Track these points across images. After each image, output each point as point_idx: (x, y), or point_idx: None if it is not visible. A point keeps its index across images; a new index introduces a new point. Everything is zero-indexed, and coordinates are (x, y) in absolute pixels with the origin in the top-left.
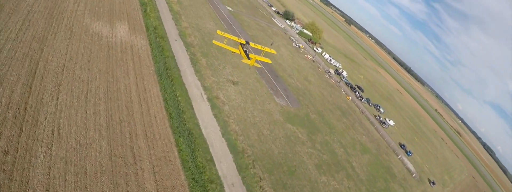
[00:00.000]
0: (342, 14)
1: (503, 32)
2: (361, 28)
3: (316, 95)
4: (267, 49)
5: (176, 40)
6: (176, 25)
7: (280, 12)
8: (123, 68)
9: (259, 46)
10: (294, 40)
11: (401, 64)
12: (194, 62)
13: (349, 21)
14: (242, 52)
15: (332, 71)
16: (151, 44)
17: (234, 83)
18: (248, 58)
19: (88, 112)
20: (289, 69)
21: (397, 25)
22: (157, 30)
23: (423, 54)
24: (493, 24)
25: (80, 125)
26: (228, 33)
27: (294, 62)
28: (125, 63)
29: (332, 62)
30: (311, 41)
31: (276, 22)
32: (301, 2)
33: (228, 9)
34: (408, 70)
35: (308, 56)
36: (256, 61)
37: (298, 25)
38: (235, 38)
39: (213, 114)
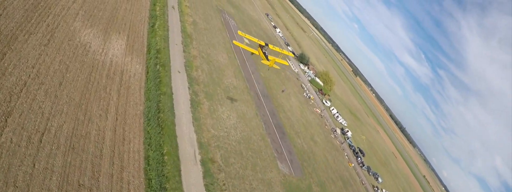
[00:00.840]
0: (350, 62)
1: (500, 111)
2: (365, 80)
3: (320, 161)
4: (285, 52)
5: (179, 71)
6: (184, 51)
7: (296, 54)
8: (103, 103)
9: (277, 49)
10: (305, 88)
11: (397, 122)
12: (194, 105)
13: (356, 71)
14: (261, 53)
15: (338, 130)
16: (148, 73)
17: (236, 140)
18: (267, 59)
19: (36, 166)
20: (297, 125)
21: (400, 84)
22: (160, 54)
23: (419, 117)
24: (492, 101)
25: (20, 186)
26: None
27: (302, 116)
28: (107, 94)
29: (338, 119)
30: (321, 91)
31: (290, 64)
32: (315, 44)
33: (245, 41)
34: (402, 130)
35: (317, 110)
36: (275, 62)
37: (311, 72)
38: (255, 40)
39: (204, 184)
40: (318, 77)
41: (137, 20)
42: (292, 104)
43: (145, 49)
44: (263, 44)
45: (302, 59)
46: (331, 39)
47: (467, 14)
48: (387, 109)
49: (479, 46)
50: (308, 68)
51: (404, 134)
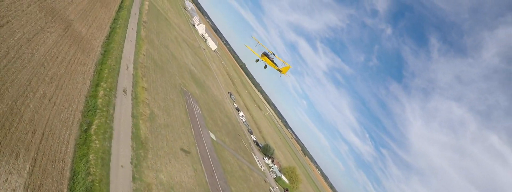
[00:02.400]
0: (297, 138)
1: (441, 188)
2: (310, 157)
3: None
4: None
5: None
6: (134, 178)
7: (260, 144)
8: None
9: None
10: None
11: None
12: None
13: (305, 151)
14: (270, 62)
15: None
16: None
17: None
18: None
19: None
20: None
21: (343, 161)
22: None
23: None
24: (433, 179)
25: None
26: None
27: None
28: None
29: None
30: (287, 191)
31: (256, 160)
32: (271, 125)
33: (212, 138)
34: None
35: None
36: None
37: (276, 166)
38: (256, 54)
39: None
40: (284, 173)
41: (60, 119)
42: None
43: (66, 180)
44: (269, 52)
45: (266, 151)
46: (280, 114)
47: (411, 98)
48: (332, 187)
49: (421, 127)
50: (272, 162)
51: None
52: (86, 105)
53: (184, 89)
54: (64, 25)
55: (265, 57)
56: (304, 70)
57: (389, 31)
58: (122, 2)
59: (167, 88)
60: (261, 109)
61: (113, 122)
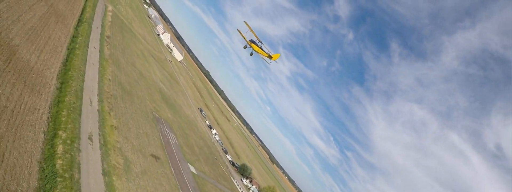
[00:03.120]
0: (262, 144)
1: (404, 186)
2: (277, 164)
3: None
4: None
5: None
6: None
7: (236, 164)
8: None
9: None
10: None
11: None
12: None
13: (272, 159)
14: (259, 49)
15: None
16: None
17: None
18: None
19: None
20: None
21: (309, 165)
22: None
23: None
24: (397, 178)
25: None
26: None
27: None
28: None
29: None
30: None
31: (236, 184)
32: (241, 137)
33: (192, 171)
34: None
35: None
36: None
37: (255, 187)
38: (246, 40)
39: None
40: None
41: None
42: None
43: None
44: (248, 42)
45: (244, 171)
46: (245, 121)
47: (373, 100)
48: (300, 191)
49: (384, 129)
50: (251, 182)
51: None
52: (40, 176)
53: (156, 115)
54: (5, 54)
55: (253, 44)
56: (267, 76)
57: (351, 36)
58: (82, 14)
59: (139, 120)
60: (229, 120)
61: (80, 185)
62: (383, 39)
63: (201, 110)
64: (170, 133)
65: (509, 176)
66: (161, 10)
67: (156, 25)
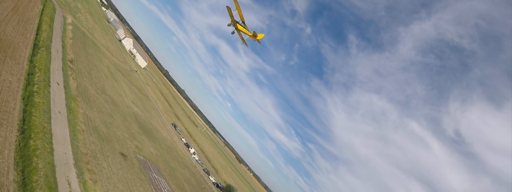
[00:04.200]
0: (226, 142)
1: (367, 175)
2: (241, 160)
3: None
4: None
5: None
6: None
7: (220, 185)
8: None
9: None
10: None
11: None
12: None
13: (239, 158)
14: (242, 28)
15: None
16: None
17: None
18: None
19: None
20: None
21: (272, 159)
22: None
23: (293, 188)
24: (360, 167)
25: None
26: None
27: None
28: None
29: None
30: None
31: None
32: (209, 142)
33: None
34: None
35: None
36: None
37: None
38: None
39: None
40: None
41: None
42: None
43: None
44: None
45: None
46: (208, 120)
47: (333, 92)
48: (266, 187)
49: (344, 120)
50: None
51: None
52: None
53: (141, 157)
54: None
55: (238, 24)
56: (226, 72)
57: (308, 30)
58: (37, 36)
59: (127, 178)
60: (197, 126)
61: None
62: (341, 32)
63: (175, 126)
64: (159, 178)
65: (468, 160)
66: (118, 10)
67: (117, 30)
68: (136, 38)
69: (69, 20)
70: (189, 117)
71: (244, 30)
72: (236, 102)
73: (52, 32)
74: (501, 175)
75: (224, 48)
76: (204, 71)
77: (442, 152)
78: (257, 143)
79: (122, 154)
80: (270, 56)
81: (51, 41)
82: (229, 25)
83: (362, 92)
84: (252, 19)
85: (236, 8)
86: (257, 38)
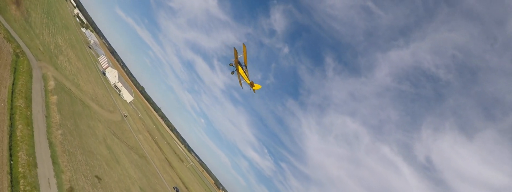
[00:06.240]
0: (201, 162)
1: None
2: (223, 188)
3: None
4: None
5: None
6: None
7: None
8: None
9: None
10: None
11: None
12: None
13: (218, 184)
14: (243, 73)
15: None
16: None
17: None
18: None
19: None
20: None
21: (245, 177)
22: None
23: None
24: (331, 188)
25: None
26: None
27: None
28: None
29: None
30: None
31: None
32: (196, 179)
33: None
34: None
35: None
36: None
37: None
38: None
39: None
40: None
41: None
42: None
43: None
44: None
45: None
46: (183, 138)
47: (307, 113)
48: None
49: (317, 141)
50: None
51: None
52: None
53: None
54: None
55: (240, 66)
56: (201, 88)
57: (286, 50)
58: (12, 110)
59: None
60: (183, 161)
61: None
62: (318, 54)
63: (177, 190)
64: None
65: (437, 187)
66: (95, 23)
67: (99, 57)
68: (113, 52)
69: (50, 75)
70: (175, 152)
71: (243, 75)
72: (210, 119)
73: (31, 102)
74: None
75: (200, 64)
76: (179, 86)
77: (412, 177)
78: (230, 161)
79: None
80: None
81: (32, 112)
82: (231, 65)
83: (337, 115)
84: (229, 36)
85: (243, 51)
86: (254, 88)
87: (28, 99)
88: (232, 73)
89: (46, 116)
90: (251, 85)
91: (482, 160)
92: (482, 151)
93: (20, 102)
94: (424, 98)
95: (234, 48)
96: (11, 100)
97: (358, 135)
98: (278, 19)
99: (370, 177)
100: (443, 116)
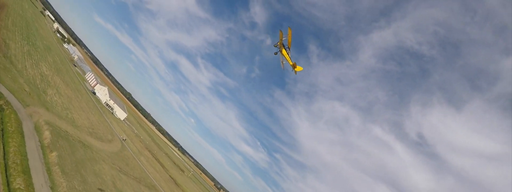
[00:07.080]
0: (196, 162)
1: (334, 180)
2: (223, 188)
3: None
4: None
5: None
6: None
7: None
8: None
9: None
10: None
11: None
12: None
13: (216, 184)
14: (286, 55)
15: None
16: None
17: None
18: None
19: None
20: None
21: (240, 171)
22: None
23: None
24: (327, 174)
25: None
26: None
27: None
28: None
29: None
30: None
31: None
32: (198, 186)
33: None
34: None
35: None
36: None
37: None
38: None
39: None
40: None
41: None
42: None
43: None
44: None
45: None
46: (176, 141)
47: (296, 102)
48: None
49: (308, 128)
50: None
51: None
52: None
53: None
54: None
55: (283, 48)
56: (188, 88)
57: (268, 41)
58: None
59: None
60: (183, 171)
61: None
62: (301, 42)
63: None
64: None
65: (432, 161)
66: (75, 33)
67: (86, 74)
68: (96, 62)
69: (46, 132)
70: (175, 162)
71: (287, 57)
72: (200, 117)
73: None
74: (464, 173)
75: (184, 64)
76: (165, 88)
77: (406, 154)
78: (224, 157)
79: None
80: (231, 69)
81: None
82: (275, 46)
83: (325, 100)
84: (211, 33)
85: (288, 34)
86: (296, 69)
87: (27, 173)
88: (276, 53)
89: (51, 188)
90: (294, 66)
91: (472, 130)
92: (471, 121)
93: (18, 182)
94: (410, 76)
95: (280, 30)
96: (8, 183)
97: (348, 118)
98: (258, 12)
99: (365, 158)
100: (430, 91)
